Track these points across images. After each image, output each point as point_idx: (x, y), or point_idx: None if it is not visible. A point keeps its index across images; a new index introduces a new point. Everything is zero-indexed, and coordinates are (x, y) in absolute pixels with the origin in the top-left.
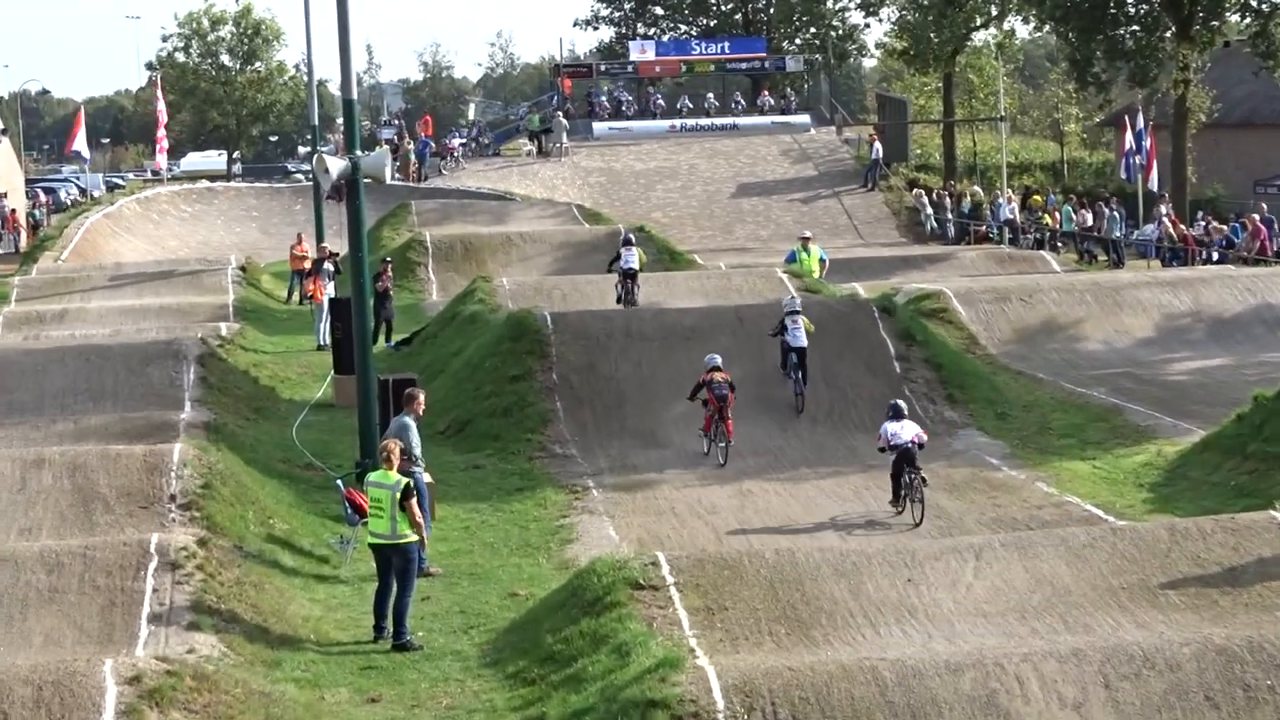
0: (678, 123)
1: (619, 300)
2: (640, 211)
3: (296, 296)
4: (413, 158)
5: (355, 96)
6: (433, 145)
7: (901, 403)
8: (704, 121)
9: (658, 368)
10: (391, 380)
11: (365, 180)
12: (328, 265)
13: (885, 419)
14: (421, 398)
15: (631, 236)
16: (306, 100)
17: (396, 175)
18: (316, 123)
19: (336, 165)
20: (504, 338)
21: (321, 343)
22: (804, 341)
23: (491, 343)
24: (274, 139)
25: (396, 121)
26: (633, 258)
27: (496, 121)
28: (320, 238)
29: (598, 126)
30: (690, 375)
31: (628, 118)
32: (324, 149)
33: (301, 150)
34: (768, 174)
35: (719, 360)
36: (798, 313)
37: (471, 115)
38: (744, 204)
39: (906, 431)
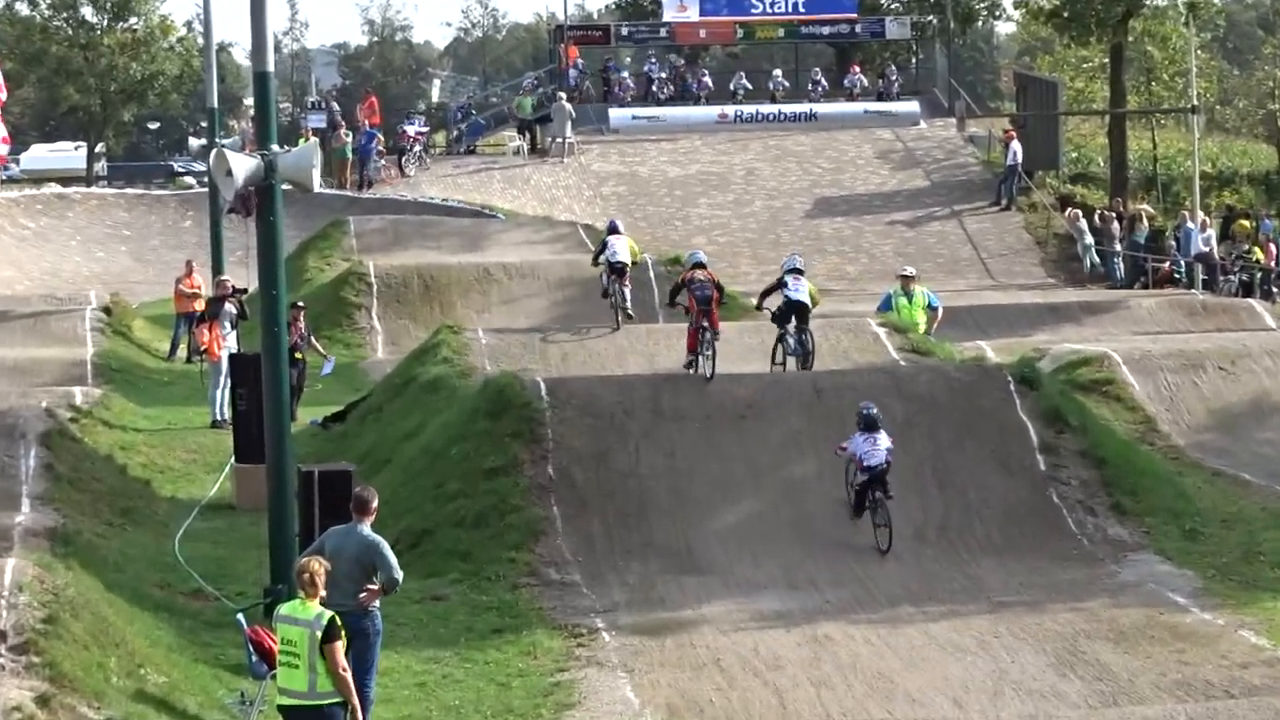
0: (731, 110)
1: (605, 297)
2: (676, 235)
3: (184, 351)
4: (350, 155)
5: (271, 68)
6: (380, 139)
7: (875, 409)
8: (768, 109)
9: (698, 459)
10: (318, 473)
11: (284, 187)
12: (229, 307)
13: (855, 430)
14: (375, 502)
15: (619, 223)
16: (202, 72)
17: (328, 181)
18: (215, 104)
19: (243, 166)
20: (479, 414)
21: (218, 417)
22: (804, 296)
23: (461, 420)
24: (155, 126)
25: (330, 105)
26: (621, 248)
27: (472, 106)
28: (219, 268)
29: (617, 114)
30: (746, 470)
31: (660, 102)
32: (226, 142)
33: (194, 143)
34: (858, 184)
35: (702, 256)
36: (800, 272)
37: (436, 96)
38: (823, 227)
39: (880, 451)
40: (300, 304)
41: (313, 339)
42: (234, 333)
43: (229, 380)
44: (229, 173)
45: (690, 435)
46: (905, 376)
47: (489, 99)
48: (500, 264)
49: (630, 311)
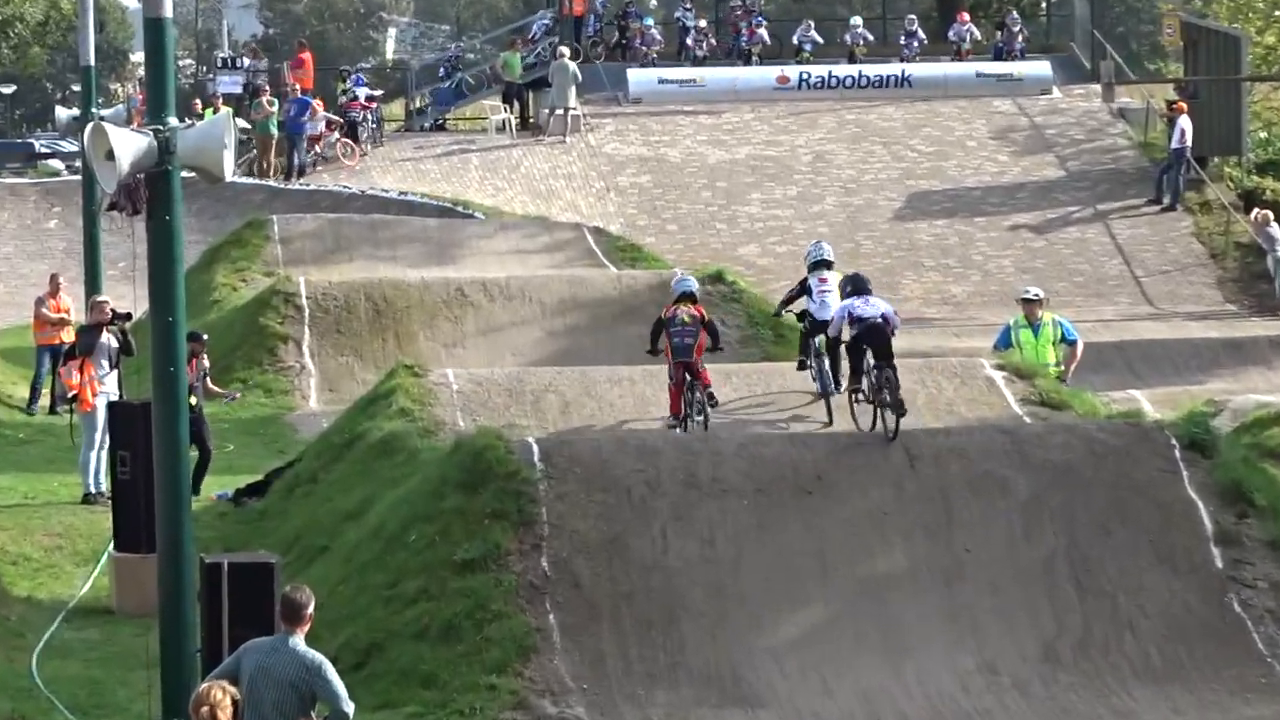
0: (794, 72)
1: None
2: (718, 243)
3: (46, 397)
4: (276, 131)
5: (169, 12)
6: (317, 107)
7: (864, 276)
8: (845, 71)
9: (747, 548)
10: (228, 566)
11: (186, 175)
12: (108, 339)
13: (842, 295)
14: (311, 607)
15: (693, 284)
16: (74, 17)
17: (244, 166)
18: (92, 61)
19: (129, 145)
20: (448, 486)
21: (92, 489)
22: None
23: (424, 495)
24: (8, 91)
25: (248, 63)
26: (831, 295)
27: (439, 65)
28: (94, 285)
29: (638, 77)
30: (813, 564)
31: (697, 61)
32: (106, 113)
33: (62, 114)
34: (967, 174)
35: (692, 284)
36: (830, 263)
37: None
38: (919, 232)
39: (876, 305)
40: (202, 335)
41: (208, 380)
42: (114, 374)
43: (107, 438)
44: (109, 154)
45: (737, 516)
46: (1031, 438)
47: (461, 57)
48: (478, 281)
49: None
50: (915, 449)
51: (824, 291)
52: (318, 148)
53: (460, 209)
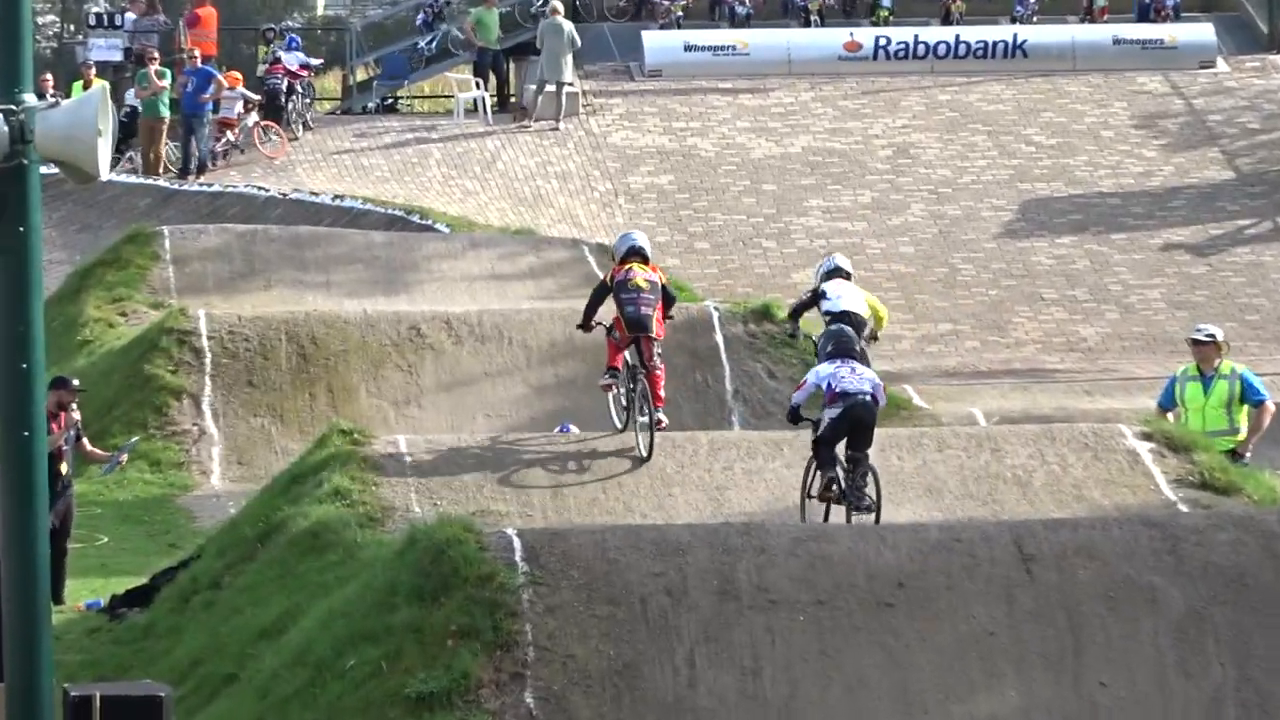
0: (868, 37)
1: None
2: (767, 265)
3: None
4: (166, 112)
5: None
6: (223, 82)
7: (851, 331)
8: (935, 34)
9: (806, 681)
10: (101, 700)
11: (47, 172)
12: None
13: (823, 358)
14: None
15: (638, 238)
16: None
17: (124, 160)
18: None
19: None
20: (401, 594)
21: None
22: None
23: (367, 606)
24: None
25: (132, 20)
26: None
27: (388, 28)
28: None
29: (657, 43)
30: (894, 704)
31: (736, 21)
32: None
33: None
34: (1100, 174)
35: (640, 240)
36: (847, 274)
37: (322, 7)
38: (1036, 252)
39: (865, 379)
40: (71, 380)
41: (84, 441)
42: None
43: None
44: None
45: (790, 638)
46: (1189, 534)
47: (421, 17)
48: (440, 316)
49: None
50: (1032, 547)
51: (840, 296)
52: (230, 134)
53: (416, 219)
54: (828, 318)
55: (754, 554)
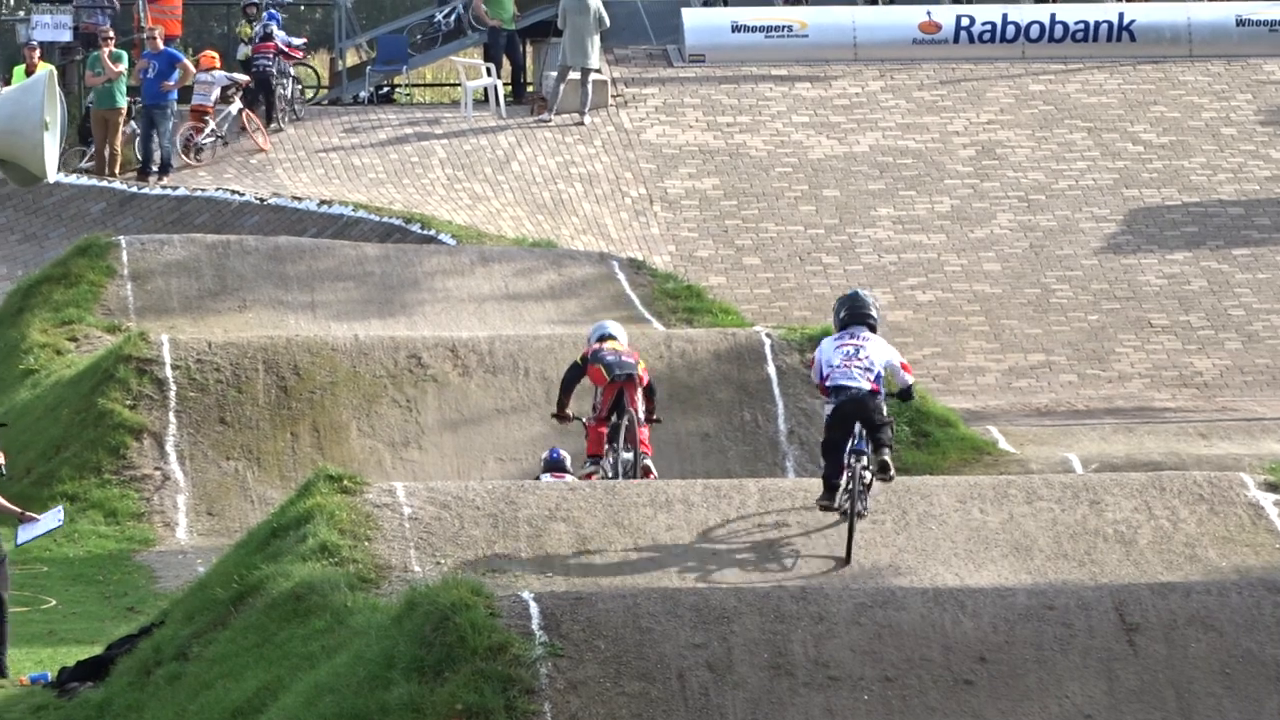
0: (947, 15)
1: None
2: (827, 285)
3: None
4: (121, 100)
5: None
6: (189, 65)
7: (865, 295)
8: (1026, 14)
9: None
10: None
11: None
12: None
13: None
14: None
15: (611, 327)
16: None
17: (73, 157)
18: None
19: None
20: (398, 667)
21: None
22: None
23: (359, 681)
24: None
25: None
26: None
27: (383, 4)
28: None
29: (699, 21)
30: None
31: None
32: None
33: None
34: (1220, 179)
35: (613, 328)
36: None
37: None
38: (1144, 269)
39: (864, 361)
40: None
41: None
42: None
43: None
44: None
45: (855, 718)
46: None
47: None
48: (444, 342)
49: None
50: (1136, 615)
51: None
52: (212, 123)
53: (416, 228)
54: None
55: (811, 622)
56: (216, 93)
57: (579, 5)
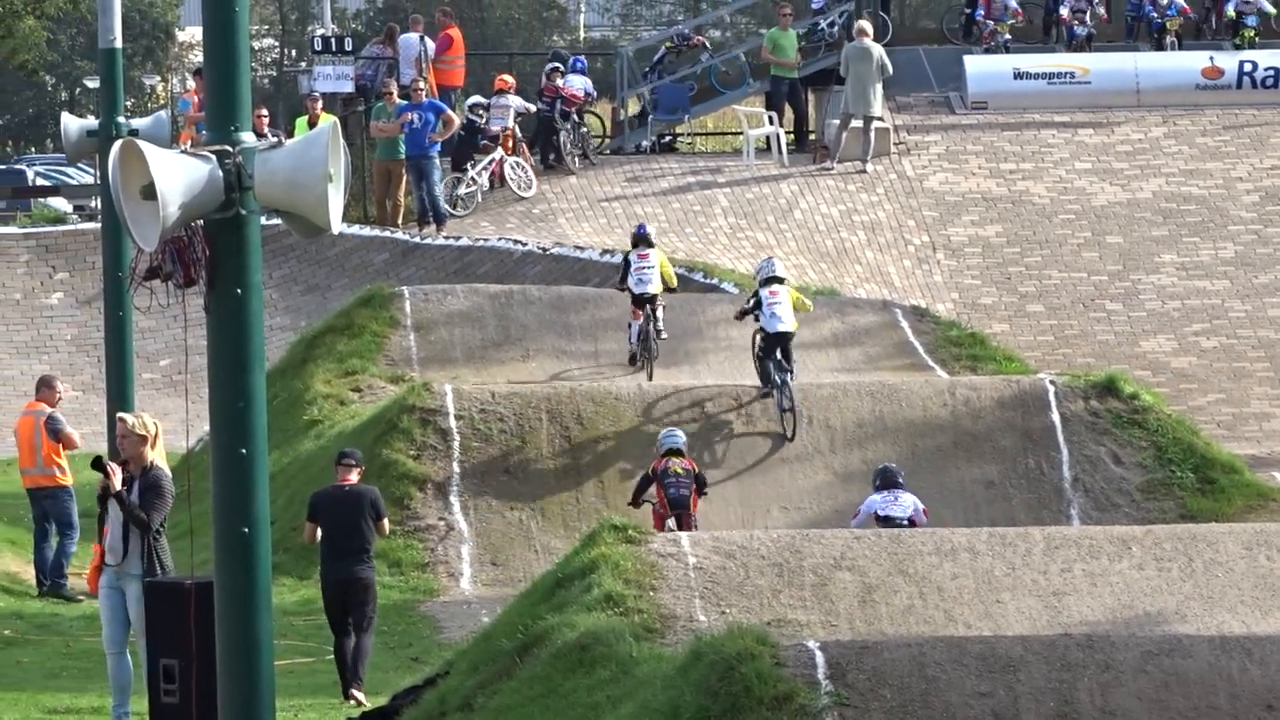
0: (1231, 61)
1: (633, 359)
2: (1111, 332)
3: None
4: (402, 152)
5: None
6: (453, 117)
7: (894, 467)
8: None
9: None
10: None
11: (268, 224)
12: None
13: (872, 490)
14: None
15: (682, 438)
16: None
17: (353, 212)
18: (118, 42)
19: (179, 176)
20: (684, 715)
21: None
22: (788, 325)
23: None
24: None
25: (374, 50)
26: (650, 272)
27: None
28: (121, 395)
29: (981, 69)
30: None
31: (1073, 43)
32: (141, 124)
33: (71, 126)
34: None
35: (681, 439)
36: (779, 280)
37: (582, 22)
38: None
39: (904, 505)
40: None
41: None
42: (164, 538)
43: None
44: (147, 190)
45: None
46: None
47: (688, 41)
48: (728, 390)
49: (653, 355)
50: None
51: (774, 304)
52: (500, 154)
53: (699, 277)
54: (761, 335)
55: (1097, 671)
56: (511, 117)
57: (861, 53)
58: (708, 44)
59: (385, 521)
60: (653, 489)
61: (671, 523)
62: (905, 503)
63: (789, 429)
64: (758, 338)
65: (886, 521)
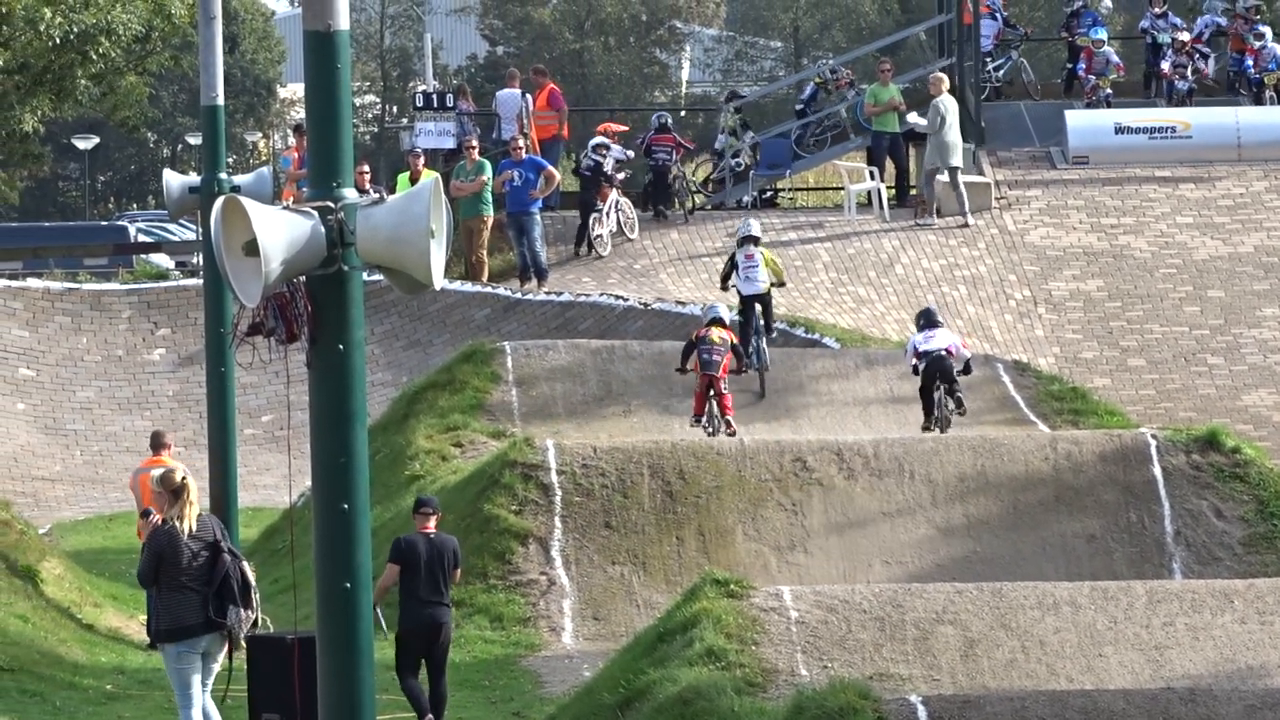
0: None
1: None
2: (1212, 385)
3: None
4: (486, 209)
5: (345, 23)
6: (554, 173)
7: (933, 308)
8: None
9: None
10: None
11: (371, 279)
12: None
13: (918, 328)
14: None
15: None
16: (194, 30)
17: (455, 269)
18: (220, 99)
19: (282, 232)
20: None
21: None
22: (761, 287)
23: None
24: (89, 145)
25: (457, 105)
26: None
27: (765, 107)
28: (224, 451)
29: (1082, 123)
30: None
31: (1175, 97)
32: (243, 180)
33: (172, 182)
34: None
35: (721, 310)
36: (755, 239)
37: (685, 76)
38: None
39: (940, 339)
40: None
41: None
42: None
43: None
44: (250, 247)
45: None
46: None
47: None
48: (829, 446)
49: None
50: None
51: (749, 267)
52: (614, 202)
53: (800, 332)
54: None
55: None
56: (611, 163)
57: (942, 113)
58: (854, 81)
59: (460, 570)
60: (693, 357)
61: (712, 402)
62: (940, 338)
63: (763, 389)
64: (738, 303)
65: (924, 356)
